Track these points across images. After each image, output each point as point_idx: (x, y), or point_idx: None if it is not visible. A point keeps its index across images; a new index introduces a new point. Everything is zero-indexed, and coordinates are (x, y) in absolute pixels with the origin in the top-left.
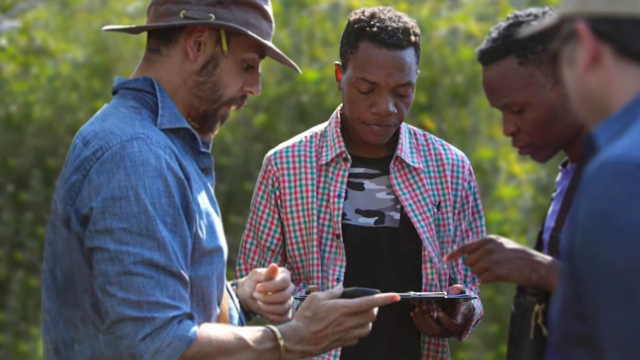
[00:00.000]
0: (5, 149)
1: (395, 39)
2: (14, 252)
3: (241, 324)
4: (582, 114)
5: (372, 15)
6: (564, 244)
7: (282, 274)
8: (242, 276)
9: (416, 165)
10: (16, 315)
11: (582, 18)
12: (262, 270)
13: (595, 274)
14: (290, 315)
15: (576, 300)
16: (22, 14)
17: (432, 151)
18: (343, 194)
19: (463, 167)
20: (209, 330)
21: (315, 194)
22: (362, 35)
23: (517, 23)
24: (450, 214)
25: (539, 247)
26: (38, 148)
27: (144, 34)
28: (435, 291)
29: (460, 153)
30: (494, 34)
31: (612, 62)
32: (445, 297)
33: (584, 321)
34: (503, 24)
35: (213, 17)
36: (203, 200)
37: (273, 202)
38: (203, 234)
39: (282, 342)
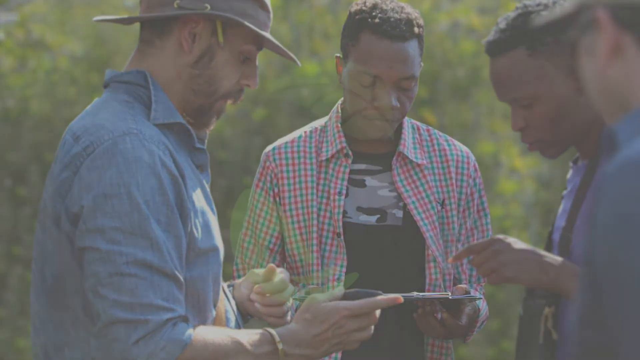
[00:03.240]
0: (3, 143)
1: (398, 30)
2: (11, 247)
3: (238, 326)
4: (601, 108)
5: (374, 6)
6: (582, 249)
7: (280, 274)
8: (239, 276)
9: (419, 162)
10: (14, 310)
11: (602, 5)
12: (259, 271)
13: (617, 281)
14: (289, 317)
15: (596, 309)
16: (19, 7)
17: (436, 147)
18: (344, 191)
19: (468, 163)
20: (205, 334)
21: (315, 191)
22: (363, 26)
23: (526, 13)
24: (454, 212)
25: (548, 247)
26: (35, 142)
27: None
28: (439, 291)
29: (465, 149)
30: (502, 25)
31: (634, 52)
32: (450, 297)
33: (604, 331)
34: (512, 14)
35: (208, 7)
36: (198, 198)
37: (271, 199)
38: (198, 233)
39: (280, 346)
